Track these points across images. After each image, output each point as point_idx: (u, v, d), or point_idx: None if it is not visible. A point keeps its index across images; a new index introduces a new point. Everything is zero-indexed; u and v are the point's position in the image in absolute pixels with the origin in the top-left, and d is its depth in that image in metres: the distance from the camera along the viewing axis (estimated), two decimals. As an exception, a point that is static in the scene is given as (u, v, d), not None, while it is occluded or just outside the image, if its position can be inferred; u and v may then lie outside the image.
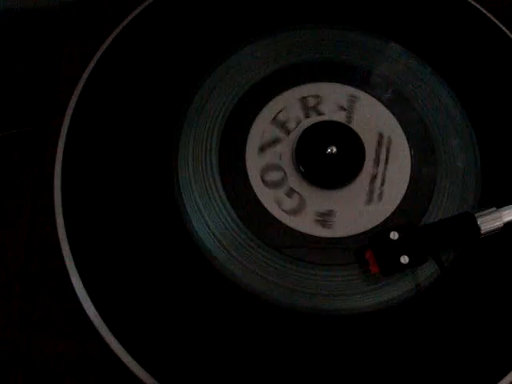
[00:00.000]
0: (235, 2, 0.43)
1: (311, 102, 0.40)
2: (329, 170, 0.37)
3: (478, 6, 0.44)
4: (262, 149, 0.38)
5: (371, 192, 0.37)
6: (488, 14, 0.44)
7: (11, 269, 0.37)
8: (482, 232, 0.34)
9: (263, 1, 0.43)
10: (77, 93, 0.39)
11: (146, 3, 0.42)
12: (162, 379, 0.31)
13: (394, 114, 0.40)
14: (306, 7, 0.43)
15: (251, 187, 0.37)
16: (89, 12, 0.45)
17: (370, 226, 0.36)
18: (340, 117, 0.39)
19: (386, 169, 0.38)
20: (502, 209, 0.35)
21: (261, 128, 0.39)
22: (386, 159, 0.38)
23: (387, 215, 0.36)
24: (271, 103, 0.39)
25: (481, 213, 0.35)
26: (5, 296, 0.37)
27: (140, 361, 0.32)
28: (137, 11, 0.42)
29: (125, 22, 0.41)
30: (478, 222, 0.34)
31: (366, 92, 0.40)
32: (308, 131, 0.38)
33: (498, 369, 0.33)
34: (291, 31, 0.42)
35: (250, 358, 0.32)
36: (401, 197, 0.37)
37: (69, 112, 0.38)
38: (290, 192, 0.37)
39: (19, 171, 0.40)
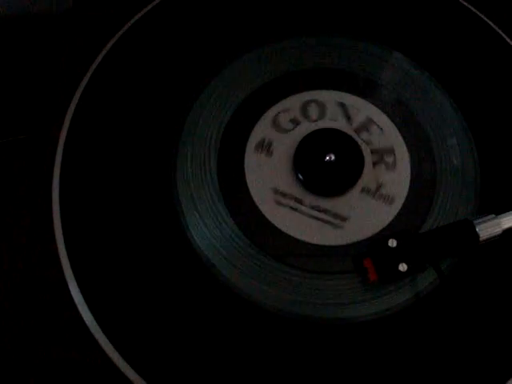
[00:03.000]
0: (236, 11, 0.43)
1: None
2: (327, 178, 0.37)
3: (478, 12, 0.44)
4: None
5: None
6: (486, 20, 0.44)
7: (9, 276, 0.37)
8: (480, 239, 0.34)
9: (265, 9, 0.43)
10: (75, 100, 0.39)
11: (145, 11, 0.42)
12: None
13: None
14: (307, 16, 0.43)
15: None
16: (87, 20, 0.45)
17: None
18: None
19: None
20: (501, 216, 0.35)
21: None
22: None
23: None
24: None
25: (479, 220, 0.35)
26: (2, 303, 0.36)
27: (138, 369, 0.32)
28: (135, 18, 0.42)
29: (123, 31, 0.41)
30: (477, 229, 0.34)
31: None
32: (307, 139, 0.38)
33: (498, 377, 0.32)
34: (292, 39, 0.42)
35: (248, 365, 0.32)
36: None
37: (67, 119, 0.38)
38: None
39: (17, 179, 0.40)
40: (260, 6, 0.43)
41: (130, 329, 0.33)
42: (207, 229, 0.36)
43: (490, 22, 0.44)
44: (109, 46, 0.40)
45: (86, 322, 0.33)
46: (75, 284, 0.33)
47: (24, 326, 0.36)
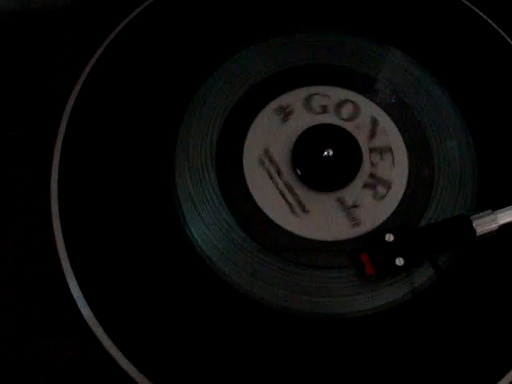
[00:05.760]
0: (237, 5, 0.43)
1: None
2: (325, 173, 0.37)
3: (477, 10, 0.44)
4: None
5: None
6: (486, 18, 0.44)
7: (7, 271, 0.37)
8: (477, 234, 0.34)
9: (265, 4, 0.43)
10: (74, 95, 0.39)
11: (143, 6, 0.42)
12: (159, 382, 0.31)
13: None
14: (307, 12, 0.43)
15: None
16: (85, 16, 0.45)
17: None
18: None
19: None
20: (498, 211, 0.35)
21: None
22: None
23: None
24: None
25: (476, 215, 0.35)
26: (0, 298, 0.36)
27: (136, 363, 0.32)
28: (134, 14, 0.42)
29: (122, 26, 0.41)
30: (474, 225, 0.34)
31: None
32: (305, 134, 0.38)
33: (494, 372, 0.33)
34: (292, 35, 0.42)
35: (247, 361, 0.32)
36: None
37: (66, 114, 0.38)
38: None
39: (15, 173, 0.40)
40: (259, 2, 0.43)
41: (129, 324, 0.33)
42: (205, 223, 0.36)
43: (492, 23, 0.44)
44: (108, 40, 0.40)
45: (85, 317, 0.33)
46: (74, 279, 0.33)
47: (22, 321, 0.36)
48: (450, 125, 0.40)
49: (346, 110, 0.40)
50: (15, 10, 0.44)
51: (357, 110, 0.40)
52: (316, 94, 0.40)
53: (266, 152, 0.38)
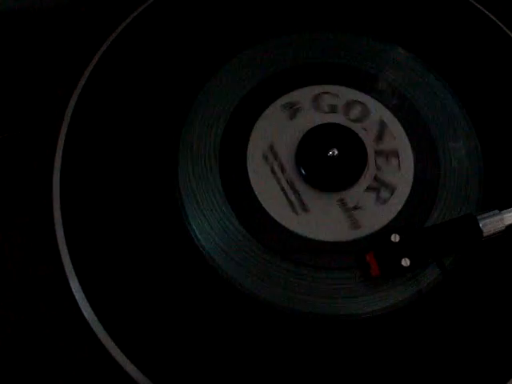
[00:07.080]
0: (240, 6, 0.43)
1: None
2: (330, 173, 0.37)
3: (482, 8, 0.44)
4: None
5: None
6: (491, 16, 0.44)
7: (9, 273, 0.37)
8: (484, 235, 0.34)
9: (269, 4, 0.43)
10: (76, 94, 0.39)
11: (145, 5, 0.42)
12: (160, 383, 0.31)
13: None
14: (311, 11, 0.43)
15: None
16: (86, 15, 0.45)
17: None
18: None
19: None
20: (505, 211, 0.35)
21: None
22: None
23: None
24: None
25: (483, 215, 0.34)
26: (2, 300, 0.36)
27: (138, 364, 0.31)
28: (136, 13, 0.42)
29: (124, 24, 0.41)
30: (480, 225, 0.34)
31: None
32: (310, 133, 0.38)
33: (501, 374, 0.32)
34: (296, 35, 0.42)
35: (250, 362, 0.32)
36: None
37: (67, 115, 0.38)
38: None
39: (17, 175, 0.40)
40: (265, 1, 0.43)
41: (131, 325, 0.33)
42: (208, 223, 0.35)
43: (501, 24, 0.44)
44: (109, 40, 0.40)
45: (87, 318, 0.33)
46: (75, 279, 0.33)
47: (24, 322, 0.36)
48: (456, 124, 0.40)
49: (355, 111, 0.40)
50: (15, 9, 0.45)
51: (365, 111, 0.40)
52: (325, 92, 0.40)
53: (271, 148, 0.38)
